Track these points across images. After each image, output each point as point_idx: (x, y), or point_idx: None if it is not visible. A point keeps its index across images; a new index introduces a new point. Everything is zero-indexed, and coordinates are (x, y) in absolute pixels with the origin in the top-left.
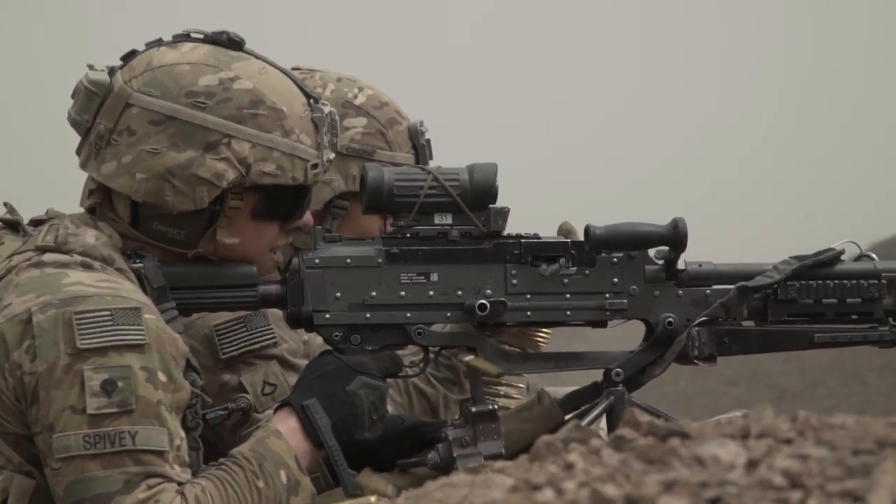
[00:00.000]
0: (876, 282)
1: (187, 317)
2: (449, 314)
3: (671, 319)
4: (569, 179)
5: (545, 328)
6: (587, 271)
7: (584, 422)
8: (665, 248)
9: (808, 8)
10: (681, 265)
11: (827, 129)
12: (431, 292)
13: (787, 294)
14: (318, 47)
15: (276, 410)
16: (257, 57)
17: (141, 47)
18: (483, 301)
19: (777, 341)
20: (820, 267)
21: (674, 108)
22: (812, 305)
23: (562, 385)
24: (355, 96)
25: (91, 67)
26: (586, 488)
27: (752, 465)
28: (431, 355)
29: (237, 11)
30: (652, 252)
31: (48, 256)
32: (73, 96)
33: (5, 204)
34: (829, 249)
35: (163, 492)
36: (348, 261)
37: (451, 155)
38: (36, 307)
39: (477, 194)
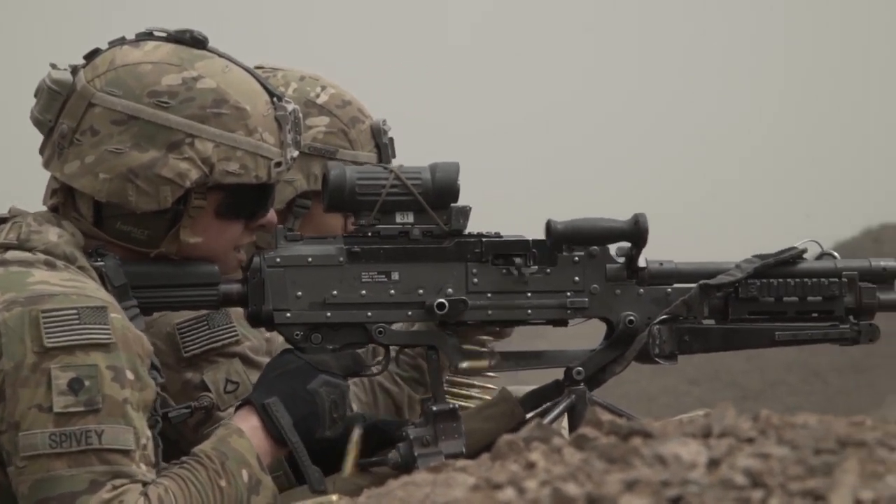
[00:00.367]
0: (837, 280)
1: (149, 315)
2: (410, 313)
3: (632, 318)
4: (569, 179)
5: (507, 327)
6: (548, 270)
7: (546, 420)
8: (627, 246)
9: (808, 8)
10: (642, 263)
11: (827, 129)
12: (392, 291)
13: (748, 292)
14: (318, 47)
15: (237, 409)
16: (220, 55)
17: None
18: (443, 300)
19: (738, 339)
20: (781, 265)
21: (674, 108)
22: (773, 304)
23: (523, 384)
24: (317, 95)
25: (54, 66)
26: (548, 487)
27: (713, 464)
28: (392, 354)
29: (237, 11)
30: (613, 250)
31: (11, 254)
32: (35, 95)
33: None
34: (791, 248)
35: (126, 492)
36: (309, 259)
37: (452, 154)
38: (1, 305)
39: (439, 193)
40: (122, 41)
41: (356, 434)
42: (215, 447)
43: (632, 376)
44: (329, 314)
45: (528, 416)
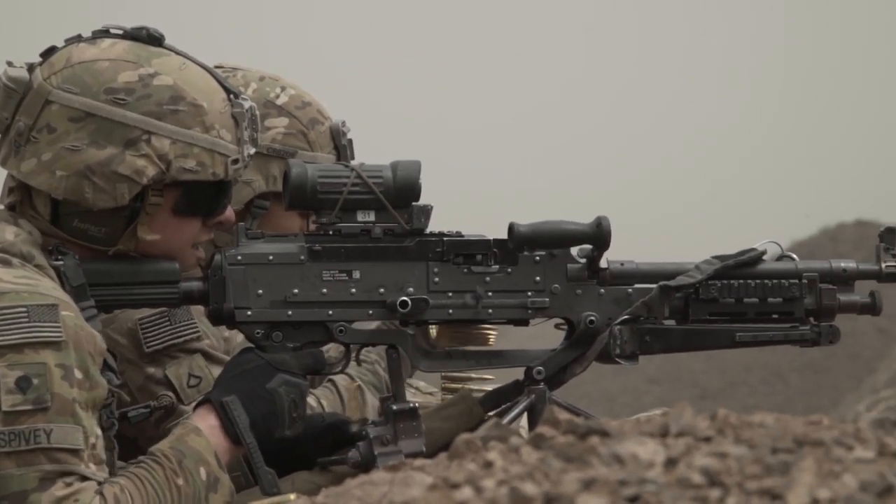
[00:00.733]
0: (797, 281)
1: (108, 314)
2: (371, 312)
3: (593, 318)
4: (569, 179)
5: (467, 327)
6: (509, 270)
7: (505, 420)
8: (588, 246)
9: (808, 8)
10: (603, 264)
11: (827, 129)
12: (354, 290)
13: (708, 293)
14: (319, 47)
15: (195, 407)
16: (177, 53)
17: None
18: (405, 298)
19: (698, 340)
20: (741, 267)
21: (673, 108)
22: (733, 305)
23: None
24: (277, 96)
25: (10, 64)
26: (505, 486)
27: (671, 463)
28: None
29: (237, 12)
30: (575, 251)
31: None
32: None
33: None
34: (751, 249)
35: (82, 491)
36: (271, 258)
37: (451, 152)
38: None
39: (400, 192)
40: (78, 39)
41: None
42: (173, 446)
43: (592, 376)
44: (290, 312)
45: (488, 415)
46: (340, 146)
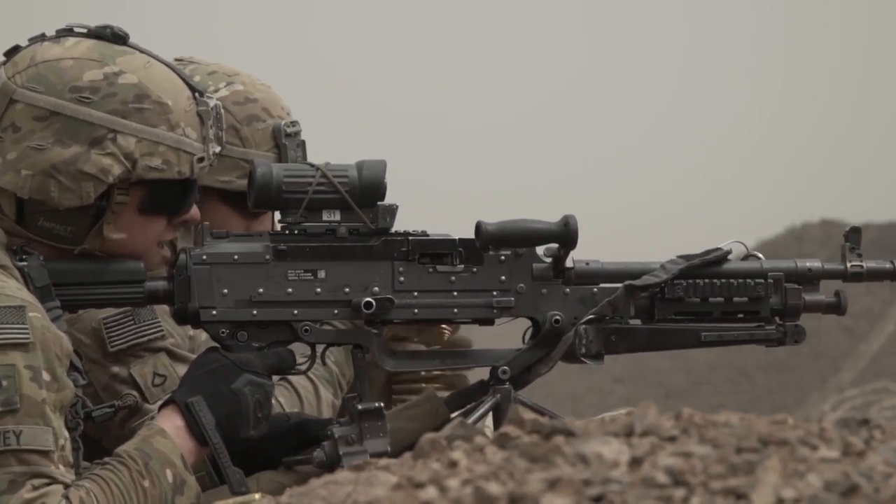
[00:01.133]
0: (762, 281)
1: (73, 313)
2: (336, 311)
3: (558, 317)
4: (569, 179)
5: (432, 326)
6: (475, 269)
7: (471, 420)
8: (554, 245)
9: (808, 8)
10: (569, 263)
11: (827, 129)
12: (319, 289)
13: (673, 293)
14: (319, 47)
15: (160, 408)
16: (141, 51)
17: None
18: (370, 298)
19: (664, 340)
20: (707, 266)
21: (673, 108)
22: (699, 304)
23: None
24: (217, 90)
25: None
26: (469, 486)
27: (635, 462)
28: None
29: (237, 12)
30: (540, 250)
31: None
32: None
33: None
34: (717, 249)
35: (49, 495)
36: (236, 257)
37: (452, 151)
38: None
39: (365, 191)
40: (42, 38)
41: None
42: (138, 447)
43: (557, 375)
44: (255, 312)
45: (453, 415)
46: (281, 145)
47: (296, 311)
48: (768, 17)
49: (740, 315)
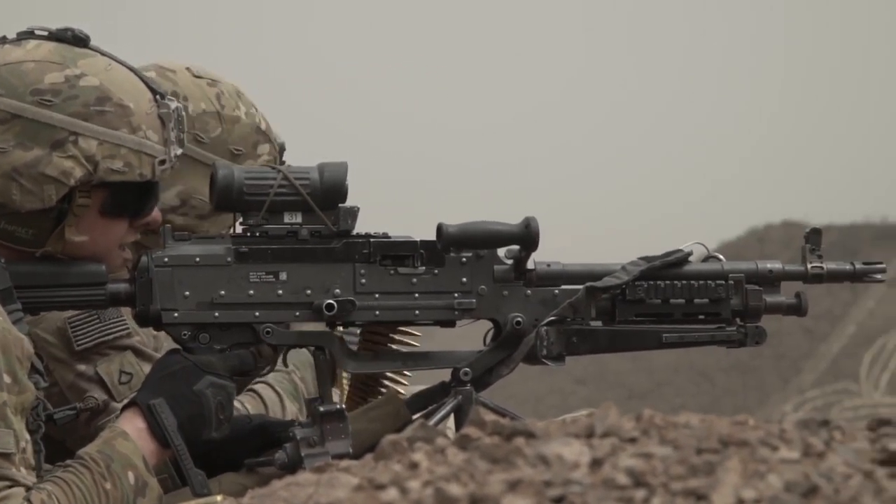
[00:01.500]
0: (723, 282)
1: (35, 315)
2: (297, 313)
3: (519, 319)
4: (569, 179)
5: (394, 327)
6: (436, 271)
7: (432, 421)
8: (515, 247)
9: (808, 8)
10: (530, 265)
11: (788, 132)
12: (280, 291)
13: (635, 294)
14: (319, 47)
15: (122, 409)
16: (103, 53)
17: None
18: (331, 300)
19: (625, 341)
20: (668, 268)
21: (673, 109)
22: (660, 306)
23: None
24: None
25: None
26: (430, 487)
27: (596, 464)
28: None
29: (237, 12)
30: (502, 252)
31: None
32: None
33: None
34: (678, 250)
35: (10, 498)
36: (197, 259)
37: (451, 151)
38: None
39: (327, 193)
40: (2, 40)
41: None
42: (100, 450)
43: (519, 377)
44: (217, 314)
45: (415, 417)
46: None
47: (257, 314)
48: (737, 24)
49: (701, 316)
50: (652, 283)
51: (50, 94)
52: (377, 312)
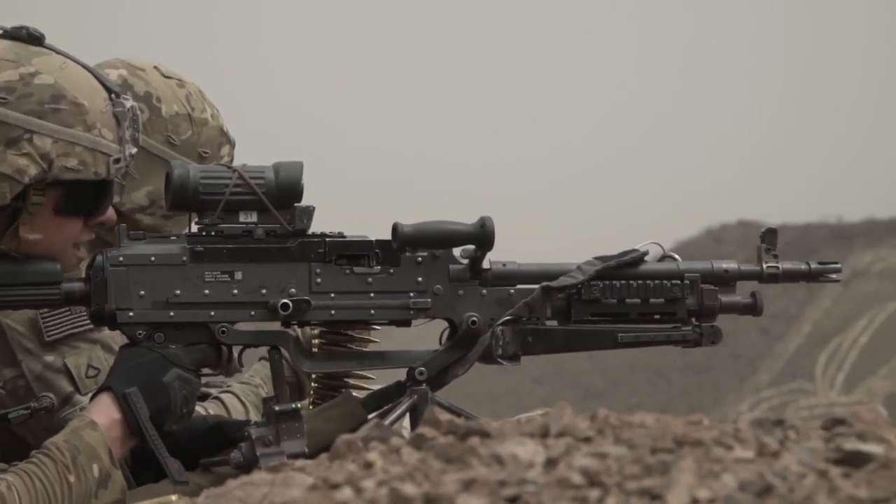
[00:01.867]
0: (679, 282)
1: None
2: (253, 313)
3: (475, 319)
4: (569, 179)
5: (349, 327)
6: (392, 270)
7: (387, 421)
8: (471, 247)
9: (808, 8)
10: (486, 265)
11: (744, 132)
12: (235, 291)
13: (590, 294)
14: (318, 48)
15: (93, 396)
16: (57, 52)
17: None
18: (286, 300)
19: (581, 341)
20: (623, 267)
21: (673, 109)
22: (615, 305)
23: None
24: None
25: None
26: (385, 487)
27: (550, 463)
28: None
29: (237, 12)
30: (457, 251)
31: None
32: None
33: None
34: (633, 250)
35: None
36: (152, 259)
37: (452, 151)
38: None
39: (282, 193)
40: None
41: None
42: (67, 440)
43: (475, 376)
44: (172, 314)
45: (371, 416)
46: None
47: (213, 313)
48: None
49: (657, 316)
50: (607, 282)
51: (4, 92)
52: (332, 312)
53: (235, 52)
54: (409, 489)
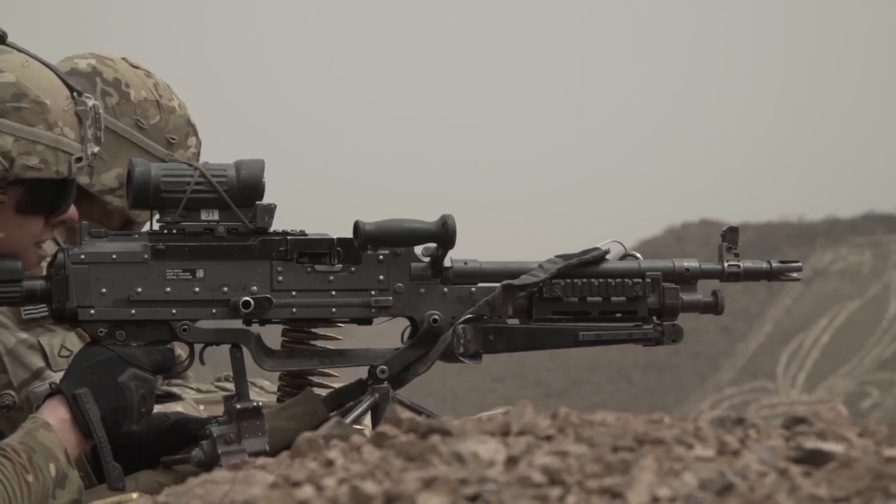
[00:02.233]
0: (640, 280)
1: None
2: (214, 311)
3: (436, 317)
4: (569, 180)
5: (311, 325)
6: (353, 268)
7: (349, 419)
8: (432, 245)
9: (808, 7)
10: (447, 263)
11: (705, 131)
12: (197, 288)
13: (552, 292)
14: (317, 48)
15: (46, 398)
16: (19, 50)
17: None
18: (248, 298)
19: (542, 339)
20: (585, 266)
21: (673, 109)
22: (577, 304)
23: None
24: None
25: None
26: (346, 485)
27: (511, 462)
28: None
29: (235, 12)
30: (419, 250)
31: None
32: None
33: None
34: (595, 248)
35: None
36: (114, 256)
37: (453, 152)
38: None
39: (244, 191)
40: None
41: None
42: (23, 441)
43: (437, 374)
44: (133, 311)
45: (332, 414)
46: None
47: (174, 311)
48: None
49: (618, 314)
50: (569, 281)
51: None
52: (294, 310)
53: (233, 51)
54: (369, 487)
